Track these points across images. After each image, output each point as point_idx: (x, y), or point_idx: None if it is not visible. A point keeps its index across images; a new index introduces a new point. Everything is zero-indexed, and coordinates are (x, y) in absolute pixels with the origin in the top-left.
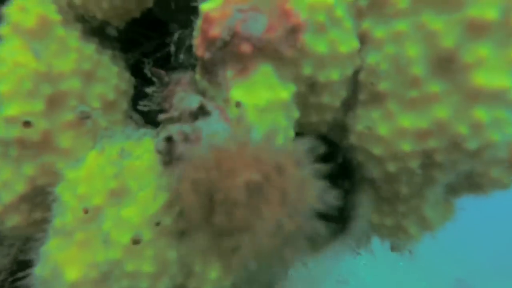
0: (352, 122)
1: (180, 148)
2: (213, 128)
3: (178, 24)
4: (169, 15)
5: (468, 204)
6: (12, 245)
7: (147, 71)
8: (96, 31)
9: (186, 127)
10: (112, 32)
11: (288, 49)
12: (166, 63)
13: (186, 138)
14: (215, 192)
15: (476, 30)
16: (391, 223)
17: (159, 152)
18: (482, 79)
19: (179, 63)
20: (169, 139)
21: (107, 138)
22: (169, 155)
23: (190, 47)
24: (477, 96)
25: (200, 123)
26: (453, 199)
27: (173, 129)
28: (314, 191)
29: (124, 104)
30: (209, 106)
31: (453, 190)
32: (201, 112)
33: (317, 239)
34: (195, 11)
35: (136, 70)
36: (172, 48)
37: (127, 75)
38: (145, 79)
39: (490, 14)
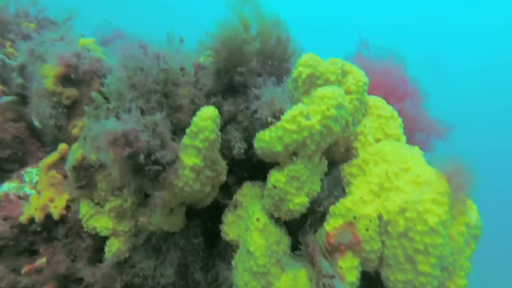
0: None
1: None
2: (338, 285)
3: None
4: None
5: None
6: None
7: (301, 239)
8: None
9: (331, 281)
10: None
11: (358, 248)
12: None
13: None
14: None
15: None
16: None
17: None
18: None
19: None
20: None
21: None
22: None
23: (311, 226)
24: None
25: (333, 281)
26: None
27: (329, 280)
28: None
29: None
30: (336, 274)
31: None
32: (334, 275)
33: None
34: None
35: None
36: (308, 222)
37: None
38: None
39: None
